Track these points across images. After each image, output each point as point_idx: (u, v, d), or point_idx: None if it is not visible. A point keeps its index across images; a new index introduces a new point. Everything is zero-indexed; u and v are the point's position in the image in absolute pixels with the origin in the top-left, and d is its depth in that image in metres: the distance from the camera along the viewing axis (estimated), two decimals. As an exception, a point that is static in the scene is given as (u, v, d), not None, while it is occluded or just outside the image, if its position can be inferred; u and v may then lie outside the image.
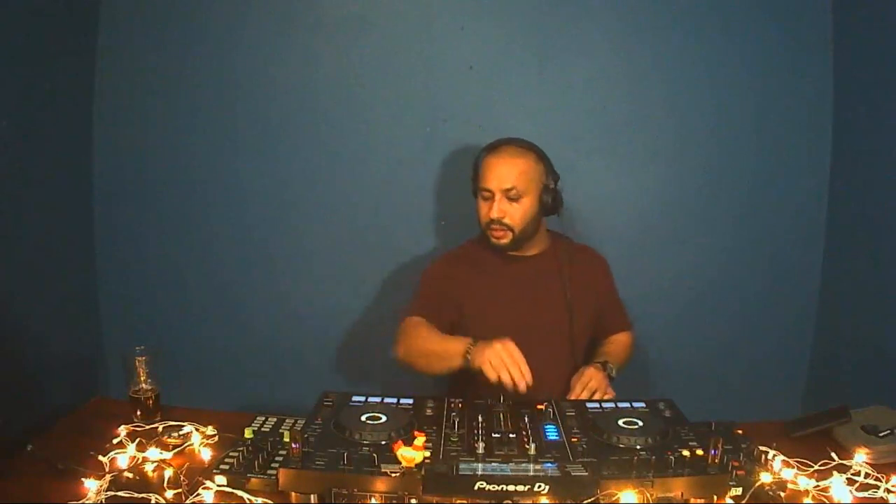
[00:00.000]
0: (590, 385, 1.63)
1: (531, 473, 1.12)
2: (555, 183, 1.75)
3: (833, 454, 1.31)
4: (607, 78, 2.13)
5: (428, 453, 1.16)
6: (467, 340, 1.54)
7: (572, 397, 1.61)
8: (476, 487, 1.09)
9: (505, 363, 1.45)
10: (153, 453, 1.33)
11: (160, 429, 1.46)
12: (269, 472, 1.22)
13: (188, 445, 1.40)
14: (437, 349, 1.62)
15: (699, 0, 2.09)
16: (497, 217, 1.70)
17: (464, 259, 1.86)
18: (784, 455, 1.30)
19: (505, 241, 1.73)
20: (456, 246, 1.93)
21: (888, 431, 1.39)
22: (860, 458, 1.32)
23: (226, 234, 2.21)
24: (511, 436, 1.31)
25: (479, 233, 1.83)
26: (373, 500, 1.11)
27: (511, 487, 1.09)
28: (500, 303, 1.78)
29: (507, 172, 1.69)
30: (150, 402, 1.53)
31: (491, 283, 1.80)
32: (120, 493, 1.20)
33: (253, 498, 1.17)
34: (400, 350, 1.71)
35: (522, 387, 1.43)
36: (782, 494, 1.19)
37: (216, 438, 1.42)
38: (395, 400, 1.49)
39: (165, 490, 1.20)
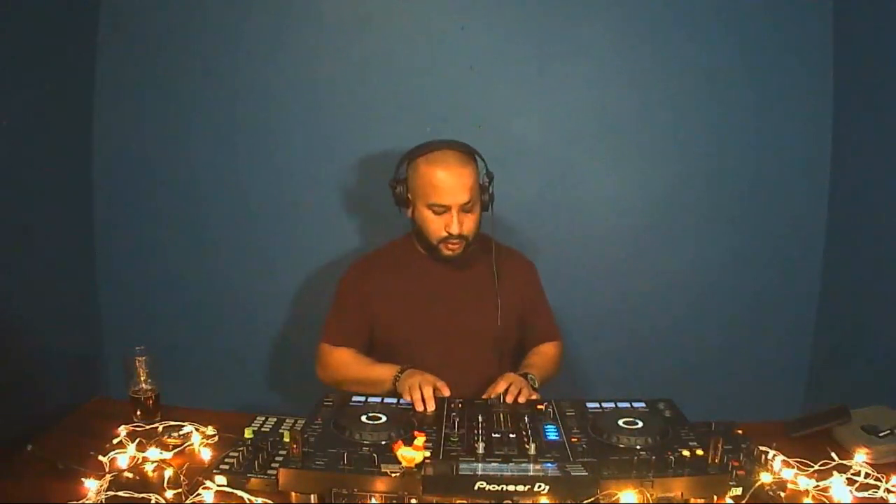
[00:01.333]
0: (515, 383, 1.54)
1: (531, 473, 1.12)
2: (489, 181, 1.70)
3: (833, 454, 1.31)
4: (607, 78, 2.13)
5: (428, 453, 1.16)
6: (396, 368, 1.60)
7: (493, 393, 1.53)
8: (476, 487, 1.09)
9: (418, 387, 1.48)
10: (153, 453, 1.33)
11: (160, 429, 1.46)
12: (269, 472, 1.22)
13: (188, 445, 1.40)
14: (366, 378, 1.67)
15: (699, 1, 2.09)
16: (458, 232, 1.65)
17: (379, 263, 1.82)
18: (784, 455, 1.30)
19: (459, 251, 1.69)
20: (377, 247, 1.89)
21: (888, 431, 1.39)
22: (860, 458, 1.32)
23: (226, 233, 2.21)
24: (511, 436, 1.31)
25: (404, 234, 1.81)
26: (373, 500, 1.12)
27: (511, 487, 1.09)
28: (421, 305, 1.75)
29: (461, 186, 1.62)
30: (150, 402, 1.53)
31: (411, 287, 1.76)
32: (120, 493, 1.20)
33: (253, 498, 1.17)
34: (323, 376, 1.76)
35: (420, 408, 1.44)
36: (782, 494, 1.20)
37: (216, 438, 1.42)
38: (395, 400, 1.49)
39: (165, 490, 1.20)
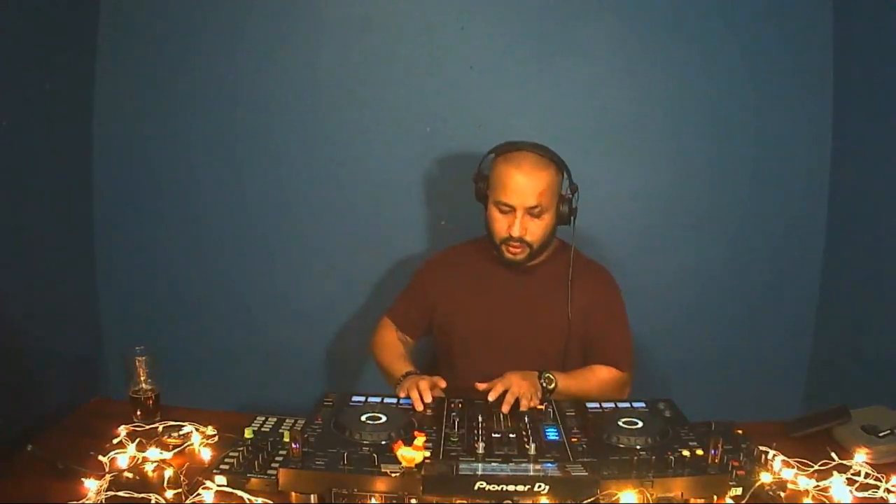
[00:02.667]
0: (513, 390, 1.45)
1: (531, 473, 1.12)
2: (572, 193, 1.67)
3: (833, 454, 1.31)
4: (607, 78, 2.12)
5: (428, 453, 1.16)
6: (403, 371, 1.62)
7: (489, 394, 1.46)
8: (476, 487, 1.09)
9: (415, 387, 1.48)
10: (153, 453, 1.33)
11: (160, 429, 1.46)
12: (269, 472, 1.22)
13: (188, 445, 1.40)
14: (386, 368, 1.73)
15: (699, 0, 2.09)
16: (519, 235, 1.62)
17: (452, 261, 1.84)
18: (784, 455, 1.30)
19: (521, 256, 1.66)
20: (457, 243, 1.91)
21: (888, 431, 1.39)
22: (860, 458, 1.32)
23: (226, 233, 2.21)
24: (511, 436, 1.31)
25: (482, 235, 1.78)
26: (373, 500, 1.12)
27: (511, 487, 1.09)
28: (483, 308, 1.74)
29: (531, 189, 1.59)
30: (150, 402, 1.53)
31: (477, 288, 1.75)
32: (120, 493, 1.20)
33: (253, 498, 1.17)
34: (372, 349, 1.82)
35: (419, 407, 1.44)
36: (782, 494, 1.20)
37: (216, 438, 1.42)
38: (395, 400, 1.49)
39: (165, 490, 1.20)
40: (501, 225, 1.65)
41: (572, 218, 1.68)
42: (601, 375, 1.70)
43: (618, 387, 1.71)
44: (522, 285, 1.74)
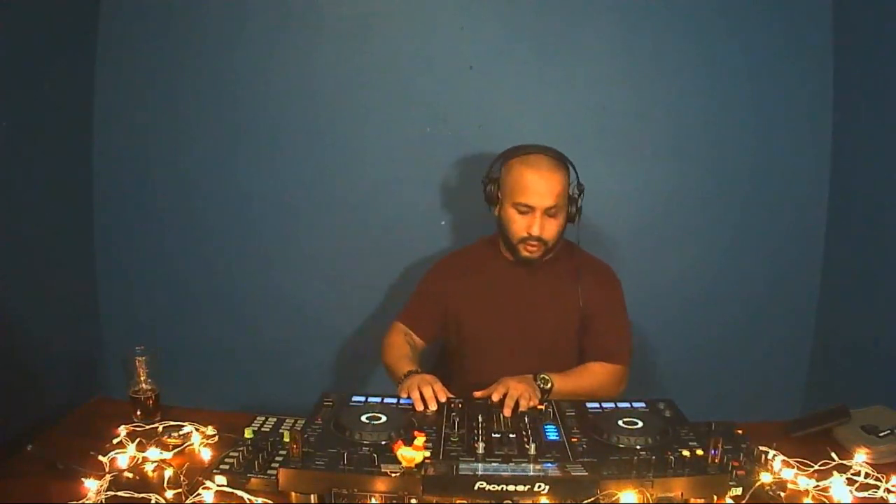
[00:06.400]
0: (511, 393, 1.46)
1: (531, 473, 1.12)
2: (580, 193, 1.72)
3: (833, 454, 1.31)
4: (607, 78, 2.13)
5: (428, 453, 1.16)
6: (405, 371, 1.62)
7: (490, 398, 1.48)
8: (476, 487, 1.10)
9: (417, 388, 1.48)
10: (153, 453, 1.33)
11: (160, 429, 1.46)
12: (269, 472, 1.22)
13: (188, 445, 1.40)
14: (390, 366, 1.73)
15: (699, 1, 2.08)
16: (538, 234, 1.67)
17: (461, 262, 1.86)
18: (784, 455, 1.30)
19: (537, 255, 1.71)
20: (463, 246, 1.93)
21: (888, 431, 1.39)
22: (860, 458, 1.32)
23: (226, 233, 2.21)
24: (511, 436, 1.31)
25: (488, 236, 1.83)
26: (373, 500, 1.12)
27: (511, 487, 1.09)
28: (493, 307, 1.78)
29: (549, 190, 1.65)
30: (150, 402, 1.53)
31: (487, 288, 1.80)
32: (120, 493, 1.20)
33: (253, 498, 1.17)
34: (382, 353, 1.81)
35: (420, 407, 1.44)
36: (782, 494, 1.20)
37: (216, 438, 1.42)
38: (395, 400, 1.49)
39: (165, 490, 1.20)
40: (520, 225, 1.69)
41: (577, 217, 1.73)
42: (596, 371, 1.73)
43: (615, 381, 1.74)
44: (530, 284, 1.78)
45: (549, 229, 1.68)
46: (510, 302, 1.78)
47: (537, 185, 1.65)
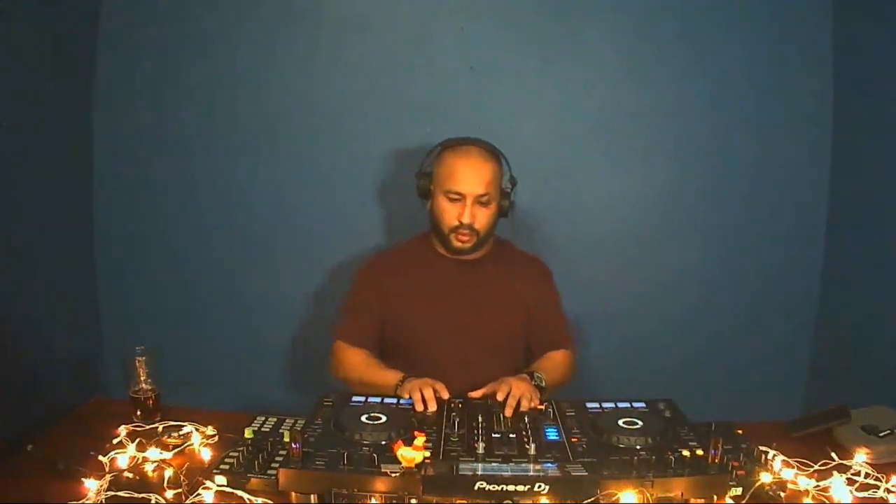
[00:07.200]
0: (514, 392, 1.46)
1: (531, 473, 1.12)
2: (512, 187, 1.75)
3: (833, 454, 1.31)
4: (607, 78, 2.13)
5: (428, 453, 1.16)
6: (400, 376, 1.59)
7: (495, 395, 1.48)
8: (476, 487, 1.10)
9: (417, 388, 1.47)
10: (153, 453, 1.33)
11: (160, 429, 1.46)
12: (269, 472, 1.22)
13: (188, 445, 1.40)
14: (373, 382, 1.64)
15: (699, 0, 2.09)
16: (469, 222, 1.70)
17: (396, 260, 1.86)
18: (784, 455, 1.30)
19: (469, 244, 1.74)
20: (392, 244, 1.92)
21: (888, 431, 1.39)
22: (860, 458, 1.32)
23: (226, 233, 2.21)
24: (511, 436, 1.31)
25: (425, 231, 1.84)
26: (373, 500, 1.12)
27: (511, 487, 1.09)
28: (433, 304, 1.78)
29: (480, 178, 1.69)
30: (150, 402, 1.53)
31: (425, 285, 1.79)
32: (120, 493, 1.20)
33: (253, 498, 1.17)
34: (335, 374, 1.78)
35: (420, 408, 1.44)
36: (782, 494, 1.20)
37: (216, 438, 1.42)
38: (395, 400, 1.49)
39: (165, 490, 1.20)
40: (451, 214, 1.72)
41: (510, 211, 1.76)
42: (559, 360, 1.78)
43: (572, 365, 1.82)
44: (467, 280, 1.79)
45: (481, 218, 1.71)
46: (448, 297, 1.78)
47: (467, 173, 1.69)
